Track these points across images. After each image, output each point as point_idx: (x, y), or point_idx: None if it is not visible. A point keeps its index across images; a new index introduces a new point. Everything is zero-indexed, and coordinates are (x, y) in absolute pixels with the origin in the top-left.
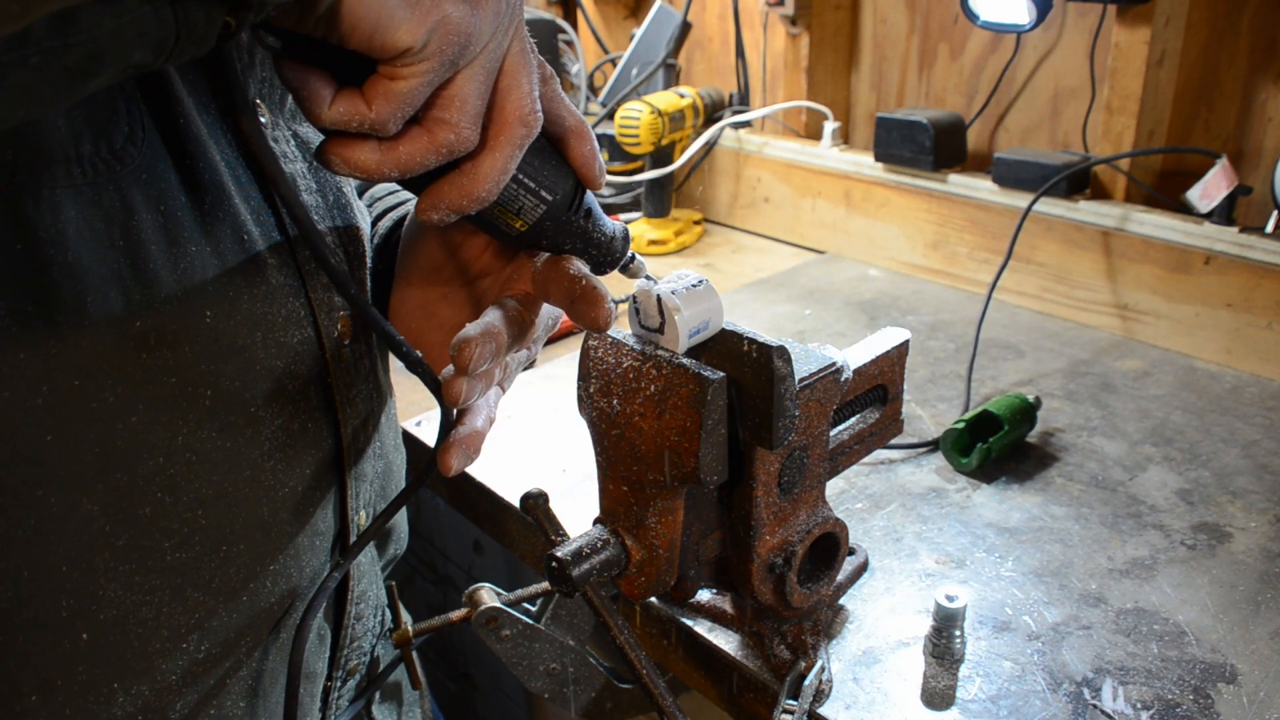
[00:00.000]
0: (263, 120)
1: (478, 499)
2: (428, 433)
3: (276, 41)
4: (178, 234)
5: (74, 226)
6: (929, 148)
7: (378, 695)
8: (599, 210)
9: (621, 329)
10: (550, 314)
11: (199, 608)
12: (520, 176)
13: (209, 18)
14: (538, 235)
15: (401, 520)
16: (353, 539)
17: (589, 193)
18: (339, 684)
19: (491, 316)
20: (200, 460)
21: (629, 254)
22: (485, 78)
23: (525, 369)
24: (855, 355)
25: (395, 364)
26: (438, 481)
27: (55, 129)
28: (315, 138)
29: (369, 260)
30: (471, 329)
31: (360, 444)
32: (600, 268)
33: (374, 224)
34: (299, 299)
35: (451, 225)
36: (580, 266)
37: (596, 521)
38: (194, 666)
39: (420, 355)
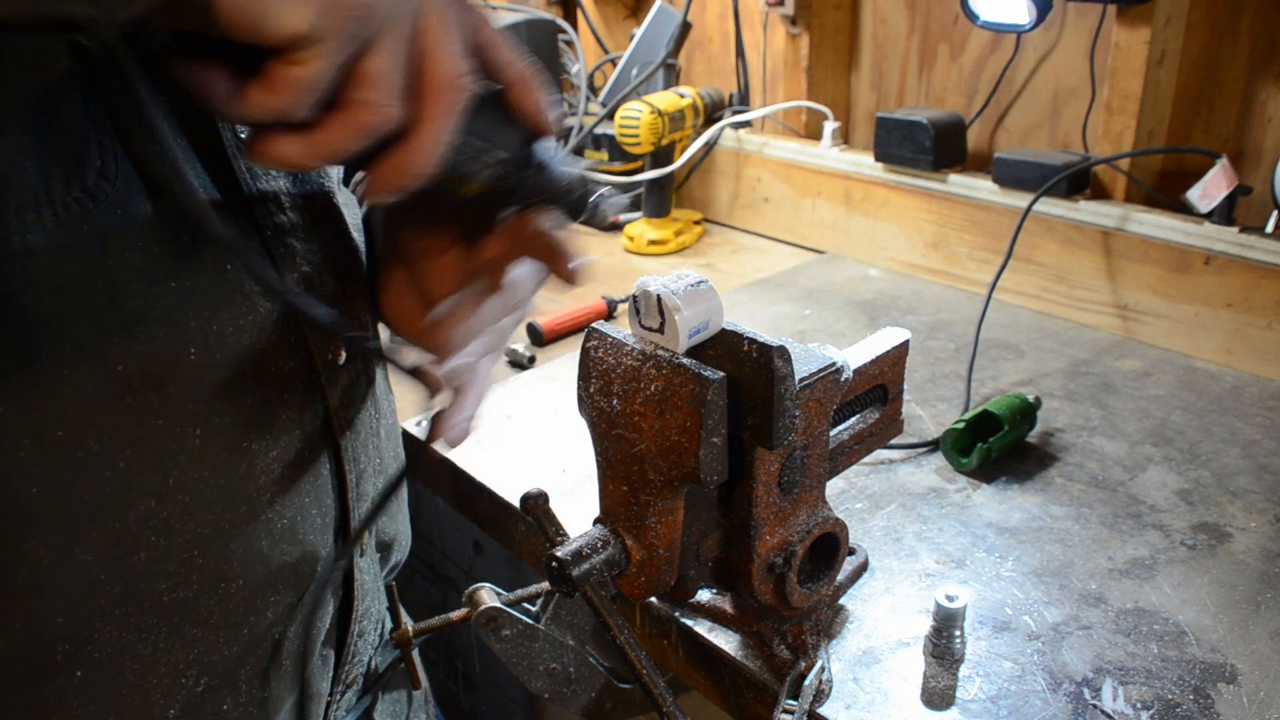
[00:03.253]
0: (243, 136)
1: (478, 499)
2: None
3: (167, 38)
4: (156, 270)
5: (48, 272)
6: (929, 148)
7: (379, 702)
8: (555, 159)
9: (621, 329)
10: (537, 269)
11: (198, 643)
12: (465, 139)
13: (41, 48)
14: (494, 197)
15: (404, 526)
16: (357, 559)
17: (542, 142)
18: (338, 697)
19: (457, 296)
20: (194, 501)
21: (595, 195)
22: (398, 46)
23: (528, 365)
24: (855, 355)
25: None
26: (438, 481)
27: (23, 171)
28: None
29: (364, 264)
30: (439, 310)
31: (361, 465)
32: (568, 218)
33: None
34: (289, 324)
35: (407, 200)
36: (545, 220)
37: (596, 521)
38: (193, 700)
39: (417, 365)
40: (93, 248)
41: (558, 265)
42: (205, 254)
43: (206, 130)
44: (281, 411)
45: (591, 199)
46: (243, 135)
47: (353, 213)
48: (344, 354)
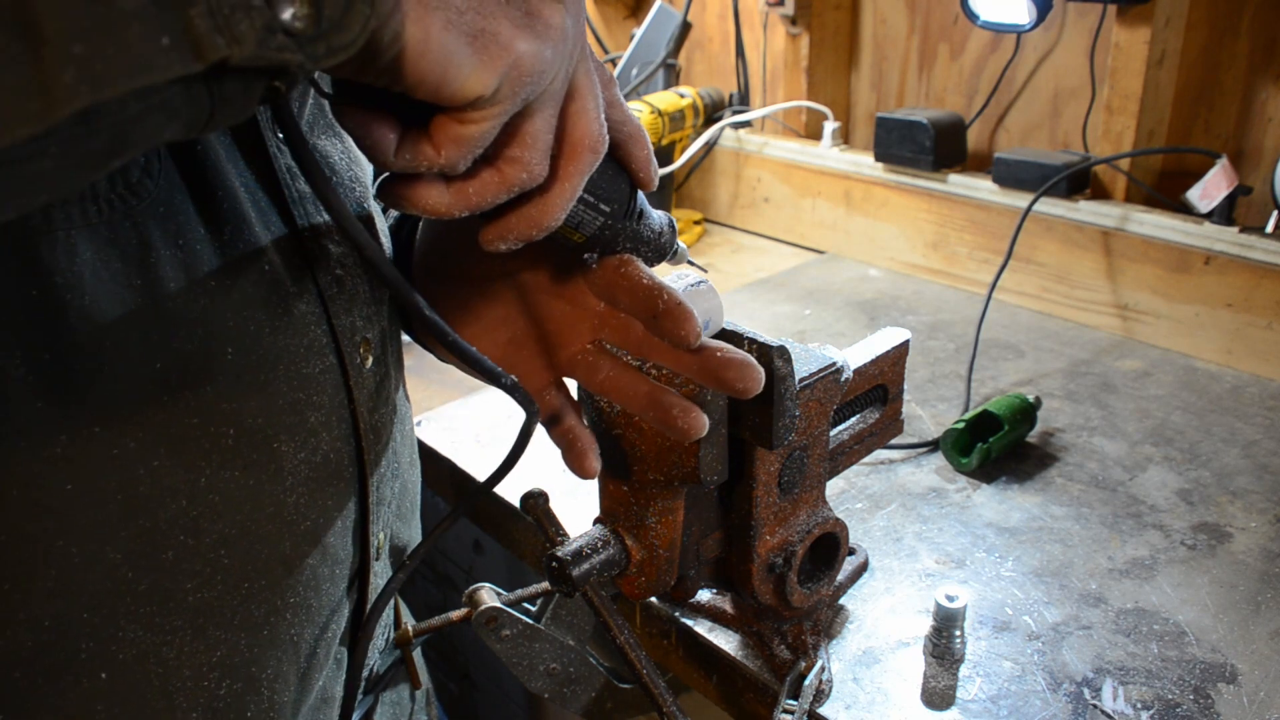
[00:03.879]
0: (282, 137)
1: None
2: (427, 433)
3: (330, 86)
4: (197, 269)
5: (90, 268)
6: (929, 148)
7: (380, 704)
8: (648, 207)
9: None
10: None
11: (220, 644)
12: (582, 194)
13: (247, 90)
14: (593, 243)
15: (418, 533)
16: (372, 563)
17: (640, 193)
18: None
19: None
20: (223, 501)
21: (675, 244)
22: (554, 109)
23: None
24: (855, 355)
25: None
26: (438, 482)
27: None
28: (333, 154)
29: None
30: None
31: (382, 468)
32: (650, 261)
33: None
34: (321, 326)
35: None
36: (647, 271)
37: (596, 521)
38: (214, 702)
39: (515, 379)
40: (134, 245)
41: (680, 326)
42: (245, 254)
43: (247, 130)
44: (310, 413)
45: (676, 244)
46: (282, 136)
47: (379, 221)
48: (371, 358)
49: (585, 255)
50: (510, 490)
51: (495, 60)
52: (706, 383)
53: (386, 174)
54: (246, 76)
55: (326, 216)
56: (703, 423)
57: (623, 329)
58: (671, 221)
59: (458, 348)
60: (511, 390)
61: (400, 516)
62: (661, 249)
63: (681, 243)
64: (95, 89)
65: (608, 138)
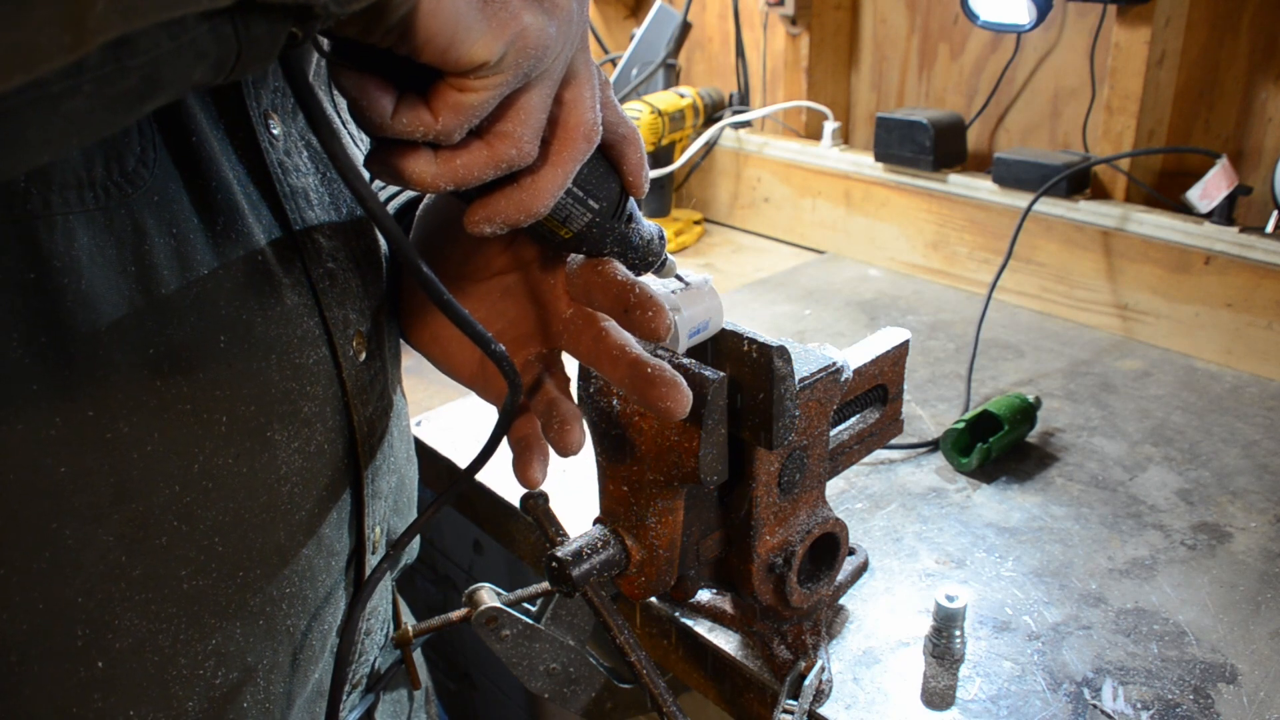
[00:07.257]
0: (275, 132)
1: (478, 499)
2: (426, 433)
3: (329, 45)
4: (190, 257)
5: (87, 253)
6: (929, 148)
7: (381, 703)
8: (639, 213)
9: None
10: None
11: (215, 633)
12: (571, 187)
13: (272, 32)
14: (580, 242)
15: None
16: (368, 556)
17: (631, 197)
18: (345, 696)
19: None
20: (217, 487)
21: (664, 255)
22: (551, 89)
23: None
24: (855, 355)
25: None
26: (437, 481)
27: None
28: (317, 143)
29: (384, 264)
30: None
31: (377, 462)
32: (636, 270)
33: None
34: (313, 318)
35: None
36: (624, 271)
37: (596, 521)
38: (210, 692)
39: (504, 348)
40: (129, 232)
41: (652, 318)
42: (238, 243)
43: (240, 124)
44: (304, 404)
45: (665, 256)
46: (275, 132)
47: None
48: (364, 353)
49: (570, 256)
50: (510, 490)
51: (503, 27)
52: (634, 397)
53: (375, 145)
54: (273, 17)
55: (318, 211)
56: (575, 445)
57: (576, 336)
58: (662, 234)
59: (450, 308)
60: (498, 358)
61: (397, 511)
62: (649, 258)
63: (671, 256)
64: (126, 19)
65: (601, 129)
